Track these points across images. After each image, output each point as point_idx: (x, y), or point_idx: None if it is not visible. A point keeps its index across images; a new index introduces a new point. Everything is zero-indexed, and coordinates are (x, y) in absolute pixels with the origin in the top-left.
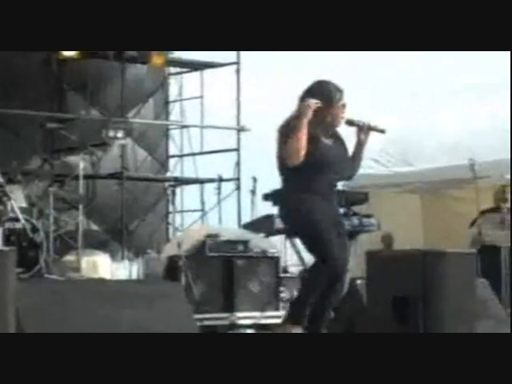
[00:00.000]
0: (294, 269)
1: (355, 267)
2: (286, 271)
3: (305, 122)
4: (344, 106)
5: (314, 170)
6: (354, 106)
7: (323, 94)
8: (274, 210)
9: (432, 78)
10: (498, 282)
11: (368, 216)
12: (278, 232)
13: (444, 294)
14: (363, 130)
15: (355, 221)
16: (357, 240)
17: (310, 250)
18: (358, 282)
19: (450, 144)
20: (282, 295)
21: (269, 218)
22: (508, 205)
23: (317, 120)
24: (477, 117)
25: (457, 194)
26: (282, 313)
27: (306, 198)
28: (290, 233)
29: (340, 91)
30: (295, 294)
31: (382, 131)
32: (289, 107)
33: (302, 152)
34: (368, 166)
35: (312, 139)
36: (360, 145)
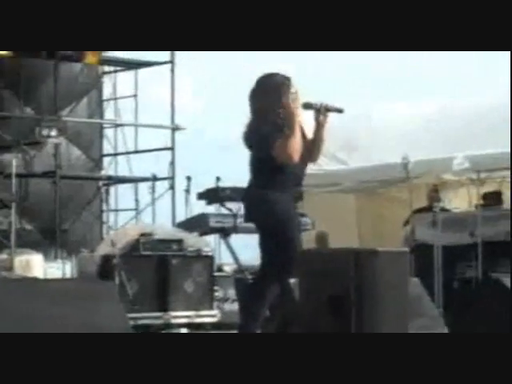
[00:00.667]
0: (229, 268)
1: None
2: (220, 270)
3: (298, 120)
4: (296, 92)
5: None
6: None
7: (274, 87)
8: (208, 208)
9: (367, 76)
10: (431, 280)
11: (302, 215)
12: (213, 231)
13: (377, 293)
14: (321, 111)
15: None
16: None
17: (276, 248)
18: (292, 281)
19: (384, 143)
20: (216, 294)
21: (203, 216)
22: (441, 204)
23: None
24: (411, 117)
25: (391, 193)
26: (216, 312)
27: (279, 197)
28: (262, 231)
29: (288, 79)
30: (229, 292)
31: (340, 110)
32: (223, 106)
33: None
34: None
35: None
36: (320, 127)
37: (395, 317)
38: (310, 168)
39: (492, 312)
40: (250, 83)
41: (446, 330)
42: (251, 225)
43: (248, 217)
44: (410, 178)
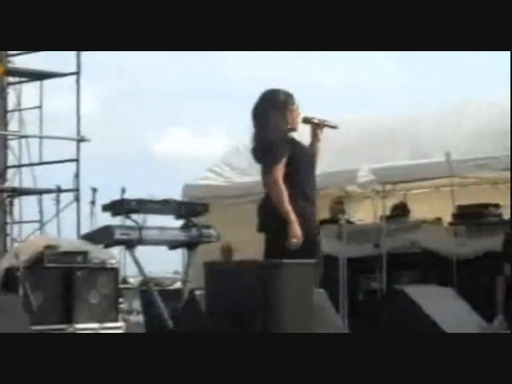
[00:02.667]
0: (134, 280)
1: (194, 278)
2: (125, 282)
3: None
4: (297, 108)
5: (304, 173)
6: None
7: (277, 103)
8: (113, 220)
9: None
10: (336, 292)
11: (208, 227)
12: (117, 243)
13: (281, 304)
14: (319, 126)
15: (195, 232)
16: (196, 251)
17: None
18: (197, 292)
19: None
20: (121, 306)
21: (108, 228)
22: (345, 216)
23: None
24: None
25: None
26: (120, 324)
27: (301, 206)
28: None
29: (291, 96)
30: (134, 304)
31: (335, 127)
32: (129, 117)
33: None
34: (207, 178)
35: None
36: (317, 141)
37: (300, 328)
38: (217, 180)
39: (397, 323)
40: (156, 95)
41: None
42: (156, 237)
43: (260, 227)
44: (316, 190)
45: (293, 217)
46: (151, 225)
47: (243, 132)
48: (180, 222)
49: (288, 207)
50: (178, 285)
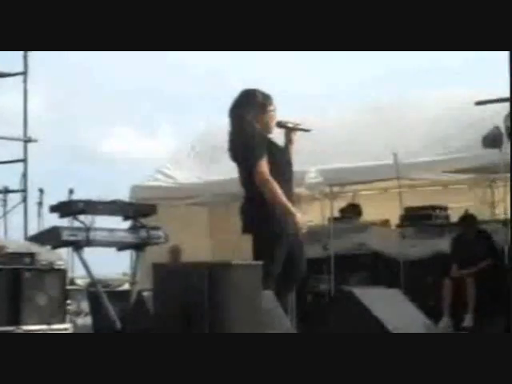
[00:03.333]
0: (81, 281)
1: (143, 279)
2: (73, 283)
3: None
4: (274, 110)
5: (281, 171)
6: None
7: (254, 104)
8: (61, 221)
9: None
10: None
11: (156, 228)
12: (65, 244)
13: (230, 305)
14: (292, 130)
15: (143, 233)
16: (144, 252)
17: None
18: (145, 293)
19: None
20: (69, 307)
21: (55, 229)
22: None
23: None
24: None
25: None
26: (68, 325)
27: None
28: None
29: (269, 97)
30: (82, 306)
31: (308, 130)
32: (76, 117)
33: None
34: (155, 178)
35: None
36: (291, 144)
37: (248, 328)
38: (165, 181)
39: (345, 325)
40: (104, 95)
41: None
42: (104, 238)
43: (245, 229)
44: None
45: (291, 207)
46: (99, 226)
47: (191, 132)
48: (128, 224)
49: (284, 200)
50: (126, 286)
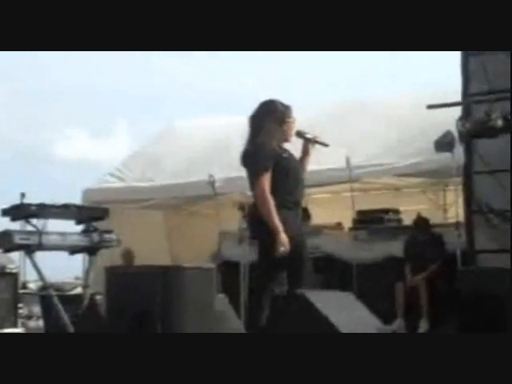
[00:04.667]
0: (33, 285)
1: (95, 283)
2: (24, 287)
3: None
4: (294, 121)
5: (289, 185)
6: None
7: (275, 114)
8: (12, 225)
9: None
10: (237, 296)
11: (108, 232)
12: (17, 247)
13: (183, 309)
14: (311, 141)
15: (95, 237)
16: (97, 256)
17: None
18: (98, 297)
19: (190, 160)
20: (21, 311)
21: (7, 233)
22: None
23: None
24: (214, 133)
25: (197, 209)
26: (20, 329)
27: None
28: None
29: (288, 108)
30: (34, 310)
31: (326, 145)
32: (30, 118)
33: None
34: (108, 181)
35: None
36: (307, 155)
37: (200, 330)
38: (118, 184)
39: (298, 328)
40: (56, 97)
41: None
42: (57, 242)
43: (251, 235)
44: (217, 195)
45: (279, 227)
46: (51, 230)
47: (144, 136)
48: (81, 227)
49: (274, 219)
50: (79, 290)
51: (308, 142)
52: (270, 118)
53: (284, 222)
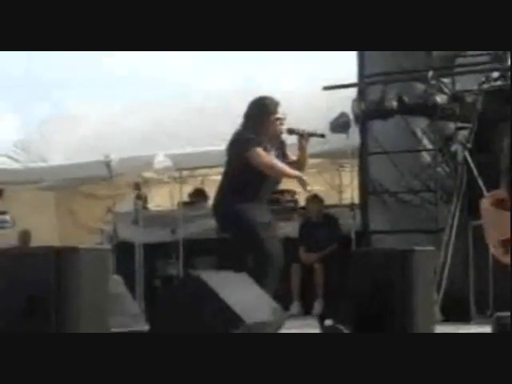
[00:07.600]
0: None
1: None
2: None
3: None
4: (282, 117)
5: (261, 180)
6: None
7: (260, 109)
8: None
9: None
10: (132, 278)
11: (2, 213)
12: None
13: (77, 291)
14: (304, 136)
15: None
16: None
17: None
18: None
19: (86, 141)
20: None
21: None
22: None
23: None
24: (111, 114)
25: (92, 190)
26: None
27: (246, 207)
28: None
29: (276, 104)
30: None
31: (322, 136)
32: None
33: None
34: (1, 162)
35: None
36: (303, 150)
37: (95, 315)
38: (12, 164)
39: (193, 309)
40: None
41: (146, 328)
42: None
43: (221, 228)
44: (112, 176)
45: (296, 172)
46: None
47: (39, 115)
48: None
49: (289, 170)
50: None
51: (302, 138)
52: (259, 113)
53: (241, 214)
